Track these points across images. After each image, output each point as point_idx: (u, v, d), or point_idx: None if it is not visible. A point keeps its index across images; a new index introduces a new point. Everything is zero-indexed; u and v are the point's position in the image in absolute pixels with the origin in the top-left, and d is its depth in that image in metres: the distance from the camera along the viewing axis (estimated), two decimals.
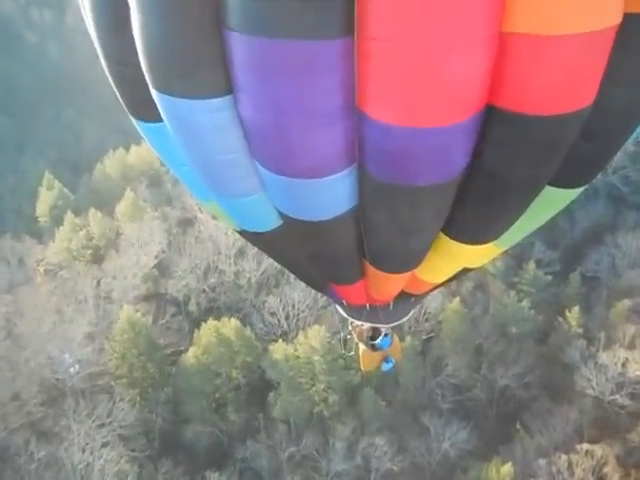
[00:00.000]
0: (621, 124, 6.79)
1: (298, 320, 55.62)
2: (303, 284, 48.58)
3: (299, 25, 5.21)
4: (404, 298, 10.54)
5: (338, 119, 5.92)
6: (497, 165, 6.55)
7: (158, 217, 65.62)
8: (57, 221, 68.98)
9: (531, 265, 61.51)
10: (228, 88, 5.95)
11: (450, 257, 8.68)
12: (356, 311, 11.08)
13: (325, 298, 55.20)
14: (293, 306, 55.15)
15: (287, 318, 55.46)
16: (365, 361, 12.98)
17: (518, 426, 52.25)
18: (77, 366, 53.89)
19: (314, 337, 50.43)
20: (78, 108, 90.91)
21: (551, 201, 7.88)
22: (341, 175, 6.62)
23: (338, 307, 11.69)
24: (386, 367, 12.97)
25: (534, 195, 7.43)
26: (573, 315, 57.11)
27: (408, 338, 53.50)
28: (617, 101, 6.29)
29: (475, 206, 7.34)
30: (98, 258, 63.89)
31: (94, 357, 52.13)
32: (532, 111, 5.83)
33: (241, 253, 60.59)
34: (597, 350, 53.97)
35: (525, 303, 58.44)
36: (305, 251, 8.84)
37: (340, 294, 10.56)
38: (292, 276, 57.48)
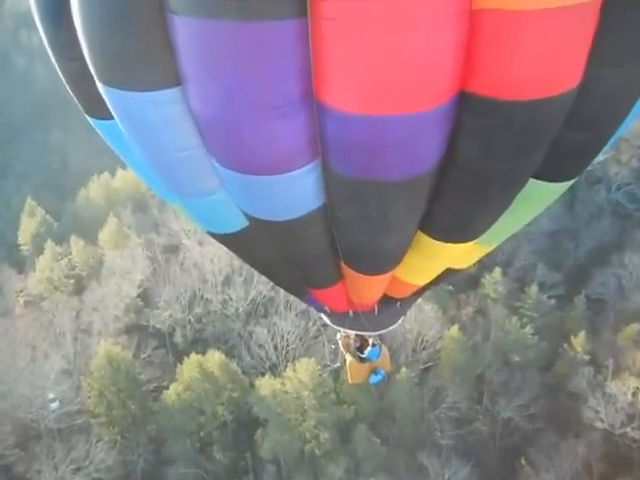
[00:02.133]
0: (610, 110, 6.31)
1: (287, 352, 53.12)
2: (293, 313, 46.20)
3: (247, 5, 4.91)
4: (389, 303, 10.35)
5: (295, 109, 5.60)
6: (474, 157, 6.20)
7: (142, 244, 63.27)
8: (39, 249, 66.69)
9: (533, 288, 59.35)
10: (177, 79, 5.67)
11: (431, 257, 8.44)
12: (339, 318, 10.91)
13: (316, 328, 53.81)
14: (282, 337, 52.70)
15: (276, 349, 52.94)
16: (353, 373, 12.63)
17: (523, 462, 49.78)
18: (58, 402, 51.60)
19: (303, 370, 48.00)
20: (65, 131, 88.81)
21: (537, 196, 7.51)
22: (303, 171, 6.33)
23: (322, 315, 11.46)
24: (374, 379, 12.57)
25: (517, 189, 7.10)
26: (579, 341, 54.95)
27: (403, 369, 50.89)
28: (604, 83, 5.81)
29: (453, 202, 7.02)
30: (80, 288, 61.40)
31: (71, 395, 49.54)
32: (509, 96, 5.47)
33: (228, 281, 58.54)
34: (605, 378, 51.94)
35: (528, 329, 56.20)
36: (276, 253, 8.57)
37: (320, 299, 10.36)
38: (282, 305, 56.44)
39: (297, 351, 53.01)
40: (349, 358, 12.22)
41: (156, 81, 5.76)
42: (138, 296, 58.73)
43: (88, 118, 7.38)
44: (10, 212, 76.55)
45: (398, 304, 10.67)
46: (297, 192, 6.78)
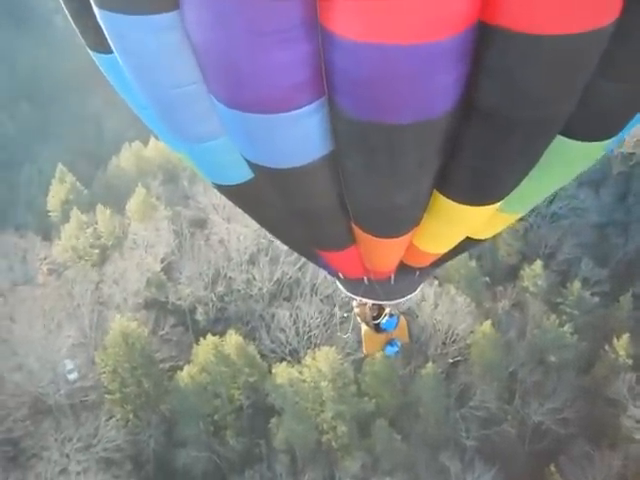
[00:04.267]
0: None
1: (309, 337, 51.22)
2: (319, 298, 44.14)
3: None
4: (406, 272, 9.97)
5: (297, 37, 5.15)
6: (493, 102, 5.65)
7: (169, 217, 61.84)
8: (67, 217, 65.37)
9: (576, 284, 56.39)
10: (175, 1, 5.32)
11: (448, 221, 7.91)
12: (354, 285, 10.51)
13: (341, 314, 51.58)
14: (304, 322, 50.70)
15: (297, 335, 51.07)
16: (367, 343, 12.32)
17: (552, 469, 47.02)
18: (76, 373, 50.72)
19: (323, 359, 45.95)
20: (104, 97, 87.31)
21: (566, 156, 6.85)
22: (307, 110, 5.83)
23: (337, 282, 11.08)
24: (390, 351, 12.21)
25: (543, 144, 6.48)
26: (622, 343, 51.87)
27: (430, 364, 48.42)
28: None
29: (470, 155, 6.44)
30: (105, 258, 60.04)
31: (84, 370, 48.52)
32: (535, 30, 4.89)
33: (253, 260, 56.94)
34: None
35: (567, 328, 53.31)
36: (283, 209, 8.09)
37: (332, 264, 10.04)
38: (308, 287, 54.40)
39: (320, 338, 51.10)
40: (364, 327, 11.93)
41: (153, 3, 5.41)
42: (160, 270, 57.43)
43: (91, 53, 6.98)
44: (42, 177, 75.73)
45: (416, 273, 10.21)
46: (301, 135, 6.26)
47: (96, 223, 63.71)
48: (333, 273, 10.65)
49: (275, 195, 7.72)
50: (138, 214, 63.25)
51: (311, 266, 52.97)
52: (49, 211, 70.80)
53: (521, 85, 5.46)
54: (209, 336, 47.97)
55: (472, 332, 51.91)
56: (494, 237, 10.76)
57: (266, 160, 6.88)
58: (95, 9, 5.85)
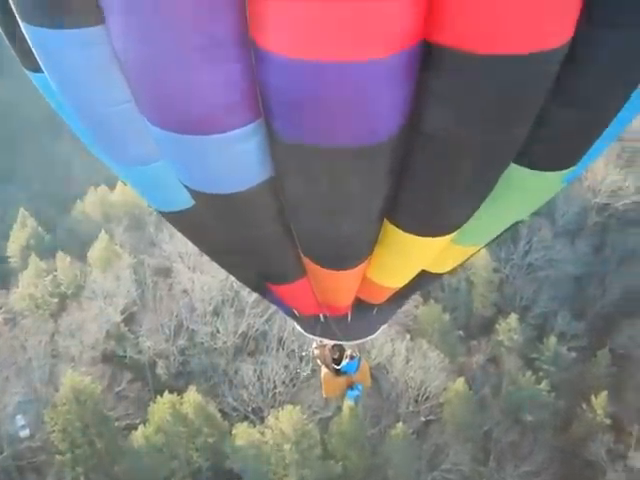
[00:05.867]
0: (604, 83, 5.42)
1: (274, 395, 48.85)
2: (285, 352, 41.99)
3: None
4: (363, 308, 9.65)
5: (227, 54, 4.90)
6: (442, 125, 5.39)
7: (131, 265, 59.69)
8: (27, 263, 62.96)
9: (552, 339, 55.46)
10: (100, 14, 5.09)
11: (400, 252, 7.62)
12: (310, 324, 10.28)
13: (309, 369, 49.52)
14: (269, 379, 48.36)
15: (261, 392, 48.65)
16: (327, 387, 11.78)
17: None
18: (28, 430, 47.94)
19: (287, 420, 43.38)
20: (73, 140, 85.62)
21: (521, 186, 6.61)
22: (241, 132, 5.55)
23: (295, 323, 10.87)
24: (351, 395, 11.74)
25: (495, 172, 6.31)
26: (600, 402, 50.76)
27: (400, 424, 46.19)
28: (598, 47, 5.04)
29: (419, 183, 6.24)
30: (64, 308, 57.54)
31: (31, 429, 45.74)
32: (483, 49, 4.67)
33: (218, 311, 54.77)
34: (628, 448, 47.24)
35: (544, 385, 52.13)
36: (227, 238, 7.71)
37: (283, 298, 9.72)
38: (274, 341, 52.31)
39: (285, 395, 48.85)
40: (324, 370, 11.43)
41: (78, 16, 5.14)
42: (121, 322, 55.03)
43: (26, 71, 6.73)
44: (5, 221, 73.30)
45: (374, 310, 9.85)
46: (237, 159, 5.94)
47: (55, 270, 61.41)
48: (287, 310, 10.38)
49: (217, 223, 7.46)
50: (100, 262, 60.99)
51: (278, 318, 51.16)
52: (9, 257, 68.30)
53: (468, 108, 5.19)
54: (166, 394, 45.49)
55: (445, 389, 50.13)
56: (454, 272, 10.54)
57: (203, 185, 6.58)
58: (20, 24, 5.62)
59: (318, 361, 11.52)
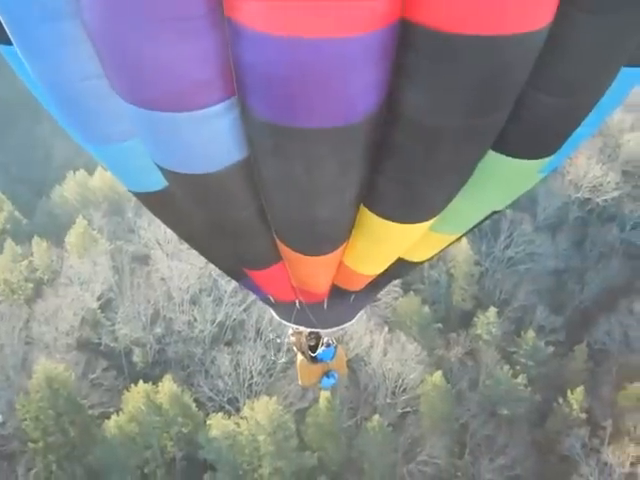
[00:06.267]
0: (585, 68, 5.34)
1: (251, 385, 48.51)
2: (262, 342, 41.29)
3: None
4: (340, 296, 9.53)
5: (200, 27, 4.68)
6: (418, 108, 5.25)
7: (109, 251, 58.98)
8: (3, 248, 62.01)
9: (531, 333, 55.48)
10: None
11: (376, 239, 7.47)
12: (286, 310, 10.16)
13: (286, 360, 49.26)
14: (245, 369, 47.95)
15: (237, 382, 48.28)
16: (303, 374, 11.84)
17: None
18: (1, 416, 47.29)
19: (262, 410, 43.10)
20: (53, 123, 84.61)
21: (500, 174, 6.58)
22: (215, 110, 5.34)
23: (271, 310, 10.87)
24: (326, 383, 11.73)
25: (473, 158, 6.21)
26: (576, 396, 51.14)
27: (376, 417, 46.05)
28: (579, 31, 4.96)
29: (395, 167, 6.06)
30: (40, 294, 56.74)
31: (3, 417, 45.05)
32: (463, 29, 4.55)
33: (195, 300, 54.34)
34: (602, 442, 47.93)
35: (521, 379, 52.49)
36: (200, 220, 7.56)
37: (259, 284, 9.59)
38: (252, 331, 51.97)
39: (261, 385, 48.63)
40: (300, 357, 11.46)
41: None
42: (98, 308, 54.41)
43: None
44: None
45: (351, 298, 9.72)
46: (210, 138, 5.67)
47: (32, 255, 60.53)
48: (263, 297, 10.31)
49: (190, 205, 7.26)
50: (77, 247, 60.17)
51: (257, 308, 50.85)
52: None
53: (446, 90, 5.04)
54: (141, 383, 45.06)
55: (422, 382, 50.02)
56: (430, 261, 10.37)
57: (175, 165, 6.34)
58: None
59: (294, 348, 11.50)
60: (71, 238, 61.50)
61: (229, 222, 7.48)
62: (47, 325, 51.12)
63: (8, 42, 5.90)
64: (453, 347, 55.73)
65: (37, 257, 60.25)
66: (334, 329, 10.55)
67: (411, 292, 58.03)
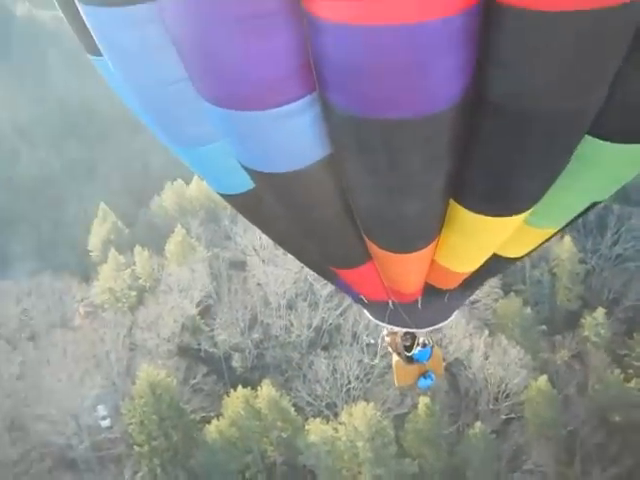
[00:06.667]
0: None
1: (348, 390, 48.22)
2: (359, 346, 40.69)
3: None
4: (433, 294, 9.42)
5: (276, 23, 4.77)
6: (505, 93, 5.01)
7: (206, 258, 60.42)
8: (107, 257, 64.59)
9: None
10: None
11: (469, 235, 7.27)
12: (379, 310, 10.17)
13: (383, 365, 48.66)
14: (342, 373, 47.74)
15: (335, 387, 48.08)
16: (399, 375, 11.83)
17: None
18: (109, 420, 49.24)
19: (360, 416, 42.67)
20: (152, 134, 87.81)
21: (599, 161, 6.08)
22: (296, 107, 5.42)
23: (364, 309, 10.85)
24: (423, 384, 11.72)
25: (568, 145, 5.81)
26: None
27: (478, 424, 44.74)
28: None
29: (484, 158, 5.87)
30: (142, 301, 58.70)
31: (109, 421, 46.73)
32: (551, 6, 4.25)
33: (291, 305, 54.80)
34: None
35: (634, 383, 50.01)
36: (288, 220, 7.69)
37: (350, 284, 9.59)
38: (348, 335, 51.72)
39: (359, 390, 48.17)
40: (395, 358, 11.53)
41: None
42: (197, 315, 55.78)
43: (90, 58, 6.78)
44: (87, 216, 75.51)
45: (446, 297, 9.63)
46: (293, 135, 5.74)
47: (134, 264, 62.81)
48: (355, 297, 10.29)
49: (277, 205, 7.33)
50: (176, 255, 61.98)
51: (353, 312, 50.63)
52: (90, 251, 70.37)
53: (536, 73, 4.78)
54: (239, 388, 45.63)
55: (526, 387, 48.60)
56: (527, 257, 10.20)
57: (260, 164, 6.46)
58: (78, 5, 5.68)
59: (389, 348, 11.58)
60: (170, 246, 63.37)
61: (316, 221, 7.46)
62: (149, 332, 52.75)
63: (99, 53, 6.19)
64: (559, 350, 53.96)
65: (139, 266, 62.43)
66: (429, 329, 10.56)
67: (512, 293, 56.70)
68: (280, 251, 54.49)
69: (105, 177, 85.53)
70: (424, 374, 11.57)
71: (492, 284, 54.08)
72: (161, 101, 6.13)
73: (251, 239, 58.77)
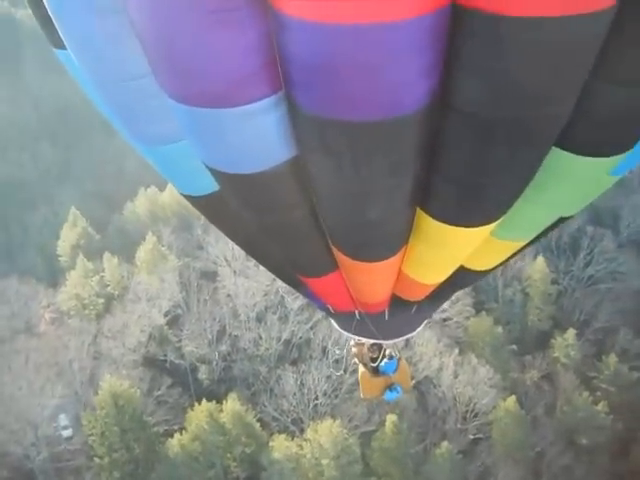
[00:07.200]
0: None
1: (316, 406, 47.87)
2: (329, 361, 40.38)
3: None
4: (401, 306, 9.51)
5: (243, 18, 4.69)
6: (472, 99, 5.02)
7: (176, 268, 59.59)
8: (76, 263, 63.61)
9: (613, 357, 52.96)
10: None
11: (433, 244, 7.30)
12: (346, 320, 10.18)
13: (353, 380, 48.28)
14: (310, 389, 47.38)
15: (302, 402, 47.65)
16: (365, 387, 11.73)
17: None
18: (71, 429, 48.32)
19: (326, 433, 42.27)
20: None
21: (566, 174, 6.15)
22: (261, 105, 5.32)
23: (331, 319, 10.86)
24: (390, 397, 11.61)
25: (535, 155, 5.82)
26: None
27: (445, 443, 44.50)
28: None
29: (451, 165, 5.87)
30: (109, 309, 57.83)
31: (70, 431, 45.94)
32: (521, 11, 4.28)
33: (261, 317, 54.37)
34: None
35: (601, 406, 50.00)
36: (253, 224, 7.51)
37: (317, 293, 9.54)
38: (318, 350, 51.30)
39: (326, 407, 47.86)
40: (362, 369, 11.49)
41: None
42: (165, 324, 54.97)
43: (54, 51, 6.64)
44: (58, 220, 74.48)
45: (413, 308, 9.69)
46: (258, 135, 5.61)
47: (103, 271, 61.82)
48: (322, 306, 10.25)
49: (242, 208, 7.23)
50: (147, 264, 61.17)
51: (323, 326, 50.25)
52: (59, 256, 69.28)
53: (504, 79, 4.77)
54: (204, 402, 45.02)
55: (495, 407, 48.56)
56: (495, 271, 10.11)
57: (224, 165, 6.32)
58: None
59: (356, 360, 11.53)
60: (141, 254, 62.63)
61: (282, 226, 7.34)
62: (115, 341, 51.87)
63: (64, 46, 6.05)
64: (528, 370, 54.15)
65: (108, 273, 61.44)
66: (396, 340, 10.61)
67: (483, 311, 56.71)
68: (252, 262, 54.04)
69: (78, 181, 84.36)
70: (390, 387, 11.54)
71: (464, 302, 54.26)
72: (123, 96, 5.99)
73: (223, 249, 57.92)
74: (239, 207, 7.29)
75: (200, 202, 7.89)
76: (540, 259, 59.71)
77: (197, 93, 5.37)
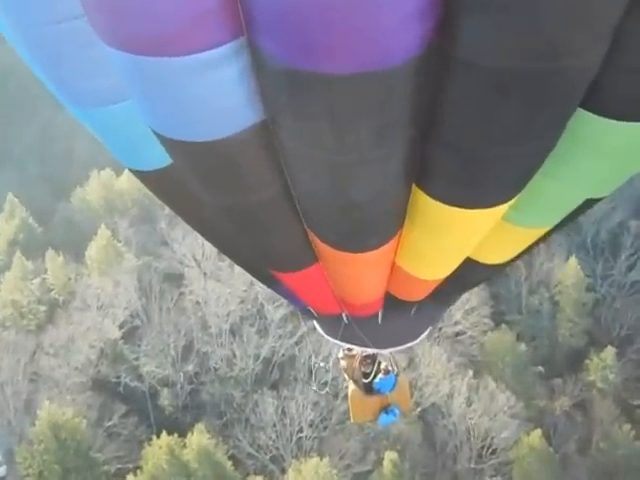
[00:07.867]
0: None
1: (300, 439, 48.01)
2: (316, 384, 40.23)
3: None
4: (397, 307, 9.35)
5: None
6: (477, 47, 4.84)
7: (135, 268, 59.96)
8: (12, 262, 64.11)
9: None
10: None
11: (433, 230, 7.14)
12: (332, 325, 10.18)
13: (345, 408, 47.85)
14: (292, 419, 47.60)
15: (282, 436, 47.81)
16: (356, 409, 11.57)
17: None
18: (5, 467, 48.73)
19: (311, 474, 42.37)
20: None
21: (595, 142, 5.86)
22: (221, 53, 5.06)
23: (315, 323, 10.90)
24: (385, 420, 11.32)
25: (555, 118, 5.54)
26: None
27: None
28: None
29: (451, 130, 5.63)
30: (52, 319, 58.24)
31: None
32: None
33: (235, 330, 54.69)
34: None
35: None
36: (213, 205, 7.30)
37: (294, 291, 9.42)
38: (303, 370, 50.95)
39: (313, 441, 48.02)
40: (352, 387, 11.43)
41: None
42: (118, 340, 55.21)
43: None
44: None
45: (412, 310, 9.58)
46: (215, 91, 5.33)
47: (45, 272, 62.08)
48: (303, 308, 10.22)
49: (199, 185, 7.02)
50: (98, 263, 61.52)
51: (311, 340, 50.35)
52: None
53: (517, 20, 4.51)
54: (164, 435, 45.16)
55: (517, 442, 48.88)
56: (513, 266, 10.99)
57: (173, 130, 6.07)
58: None
59: (345, 375, 11.52)
60: (92, 252, 62.88)
61: (247, 208, 7.19)
62: (57, 358, 52.08)
63: None
64: (558, 397, 54.51)
65: (51, 274, 61.68)
66: (393, 349, 10.60)
67: (504, 325, 56.86)
68: (225, 263, 54.53)
69: (18, 162, 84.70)
70: (386, 408, 11.41)
71: (480, 312, 54.83)
72: (51, 43, 5.71)
73: (191, 246, 58.67)
74: (195, 186, 7.12)
75: (149, 178, 7.64)
76: (573, 260, 59.92)
77: (140, 38, 5.10)
